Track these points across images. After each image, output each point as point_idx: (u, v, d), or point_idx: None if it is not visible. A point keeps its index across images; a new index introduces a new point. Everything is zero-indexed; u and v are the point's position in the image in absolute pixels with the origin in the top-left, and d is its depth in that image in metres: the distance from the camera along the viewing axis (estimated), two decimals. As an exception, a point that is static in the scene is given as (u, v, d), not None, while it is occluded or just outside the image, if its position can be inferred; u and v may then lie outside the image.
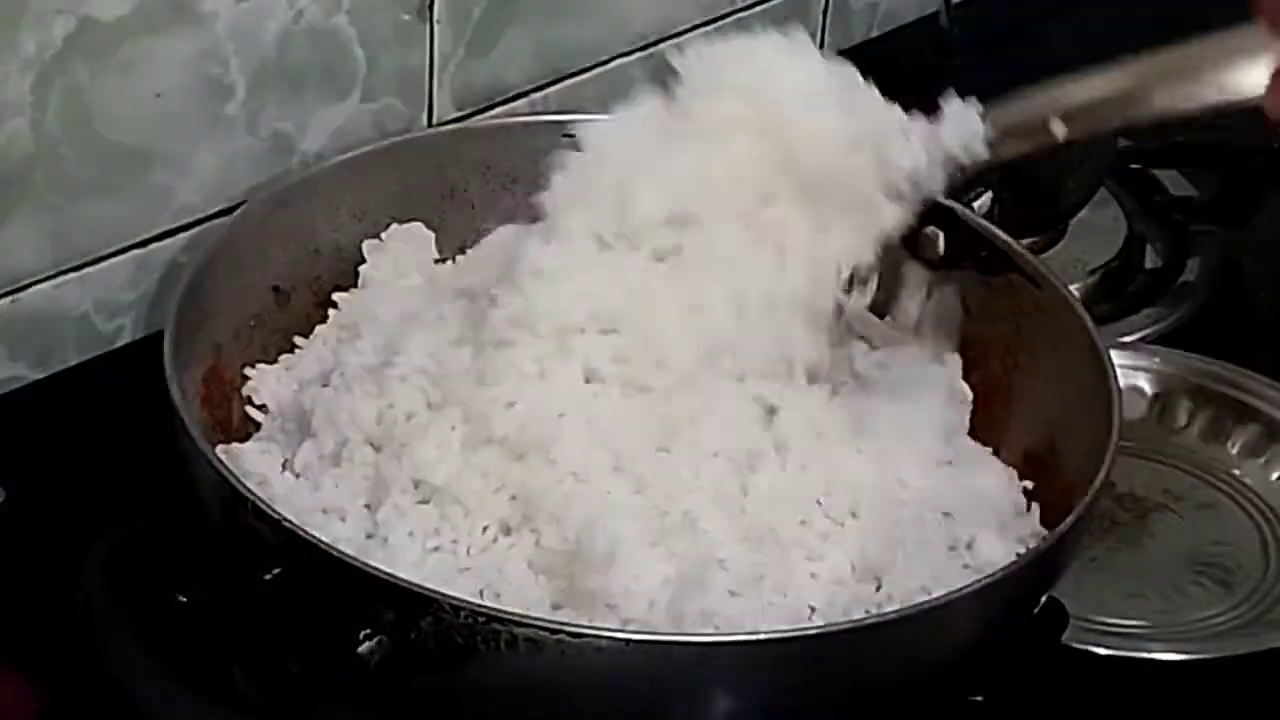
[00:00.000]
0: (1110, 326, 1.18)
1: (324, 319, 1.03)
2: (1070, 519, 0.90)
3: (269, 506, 0.85)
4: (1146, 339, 1.19)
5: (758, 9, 1.38)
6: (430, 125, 1.21)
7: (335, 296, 1.03)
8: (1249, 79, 0.85)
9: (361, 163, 1.07)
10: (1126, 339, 1.18)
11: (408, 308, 0.99)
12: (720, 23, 1.36)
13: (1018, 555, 0.91)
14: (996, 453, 1.00)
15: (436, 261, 1.06)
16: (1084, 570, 1.01)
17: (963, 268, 1.05)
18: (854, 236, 0.94)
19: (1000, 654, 0.90)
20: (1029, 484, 0.97)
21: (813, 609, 0.88)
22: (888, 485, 0.92)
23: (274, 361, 1.01)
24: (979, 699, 0.91)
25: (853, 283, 0.95)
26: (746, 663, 0.82)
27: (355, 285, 1.04)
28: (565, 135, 1.09)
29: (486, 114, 1.23)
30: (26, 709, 0.90)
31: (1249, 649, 0.98)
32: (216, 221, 1.10)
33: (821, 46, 1.44)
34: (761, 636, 0.83)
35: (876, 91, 0.94)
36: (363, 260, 1.05)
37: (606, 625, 0.83)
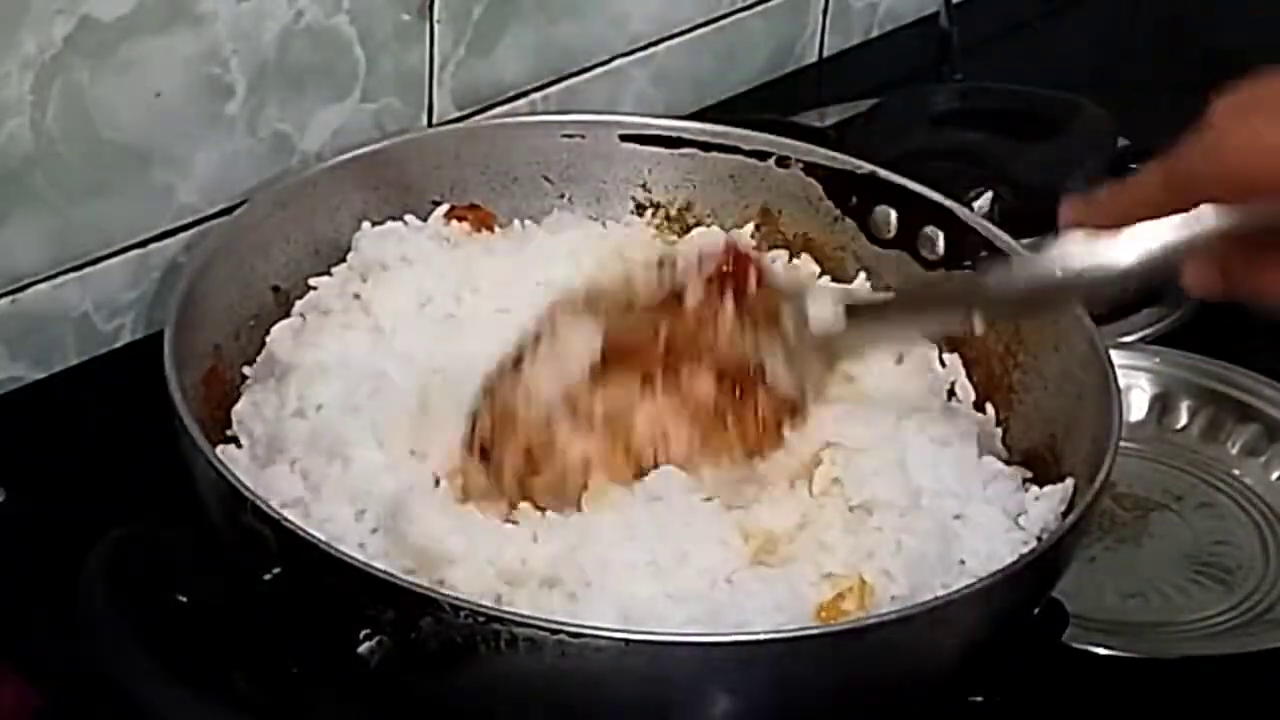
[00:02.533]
0: (1110, 326, 1.17)
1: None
2: (1070, 519, 0.90)
3: (269, 506, 0.84)
4: (1146, 339, 1.19)
5: (758, 9, 1.38)
6: (430, 125, 1.21)
7: (312, 281, 1.03)
8: None
9: (361, 163, 1.07)
10: (1126, 339, 1.18)
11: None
12: (720, 22, 1.36)
13: (1018, 555, 0.90)
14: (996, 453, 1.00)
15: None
16: (1084, 570, 1.01)
17: (963, 268, 1.05)
18: None
19: (1000, 654, 0.90)
20: (1029, 484, 0.97)
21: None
22: (893, 487, 0.92)
23: (273, 361, 1.01)
24: (979, 699, 0.91)
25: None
26: (746, 663, 0.82)
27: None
28: (565, 135, 1.10)
29: (486, 114, 1.23)
30: (26, 709, 0.90)
31: (1249, 649, 0.98)
32: (216, 221, 1.10)
33: (821, 46, 1.45)
34: (761, 636, 0.83)
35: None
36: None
37: (606, 625, 0.83)
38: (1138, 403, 1.13)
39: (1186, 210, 0.81)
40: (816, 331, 0.93)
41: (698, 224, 1.11)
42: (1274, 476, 1.10)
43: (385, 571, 0.83)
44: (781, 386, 0.93)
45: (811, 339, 0.93)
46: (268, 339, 1.00)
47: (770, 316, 0.93)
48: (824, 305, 0.94)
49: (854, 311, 0.94)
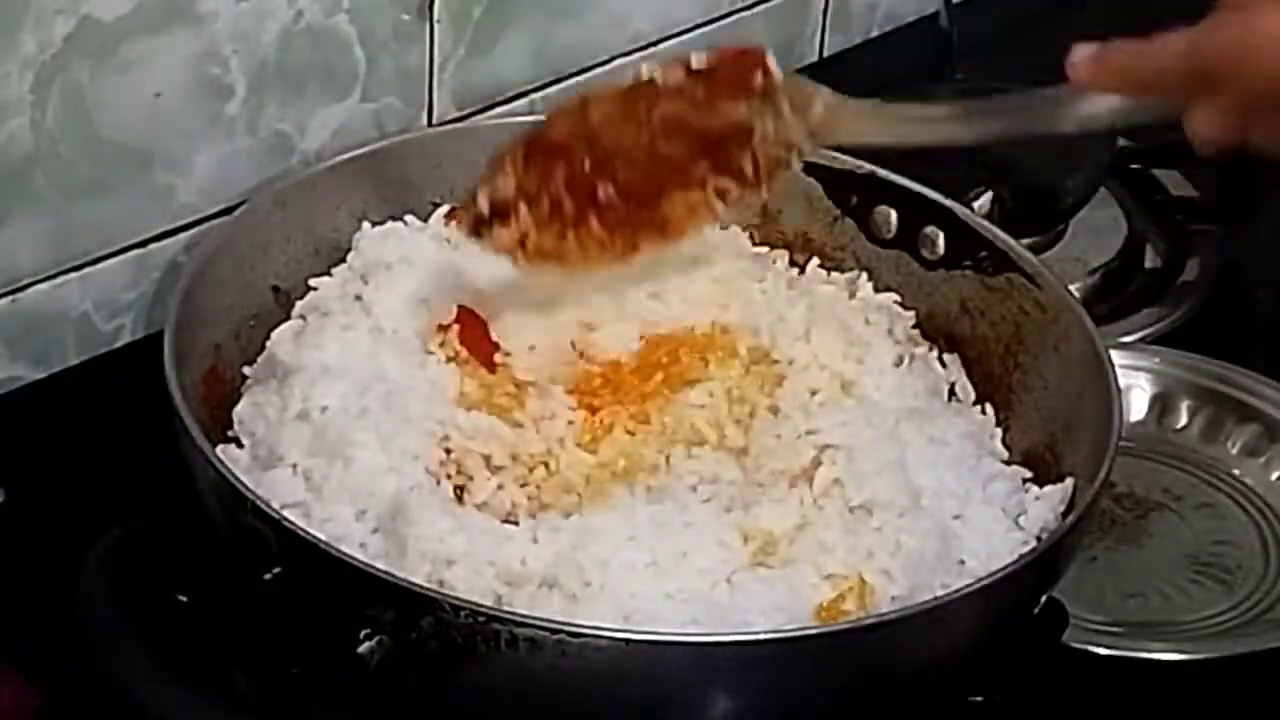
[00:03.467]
0: (1110, 326, 1.18)
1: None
2: (1070, 519, 0.90)
3: (269, 506, 0.85)
4: (1146, 339, 1.19)
5: (758, 9, 1.38)
6: (430, 125, 1.21)
7: (313, 281, 1.03)
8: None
9: (361, 163, 1.07)
10: (1126, 339, 1.18)
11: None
12: (721, 22, 1.36)
13: (1018, 555, 0.91)
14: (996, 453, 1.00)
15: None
16: (1084, 570, 1.01)
17: (963, 268, 1.05)
18: None
19: (1000, 654, 0.90)
20: (1030, 484, 0.97)
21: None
22: (893, 488, 0.92)
23: (273, 361, 1.01)
24: (979, 699, 0.91)
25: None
26: (746, 663, 0.82)
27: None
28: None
29: (486, 114, 1.23)
30: (26, 709, 0.90)
31: (1249, 649, 0.98)
32: (216, 221, 1.10)
33: (821, 46, 1.45)
34: (761, 636, 0.83)
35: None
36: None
37: (606, 625, 0.83)
38: (1138, 403, 1.13)
39: (1202, 96, 0.77)
40: (812, 121, 0.95)
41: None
42: (1274, 476, 1.10)
43: (385, 571, 0.83)
44: (767, 149, 0.95)
45: (805, 125, 0.94)
46: (269, 341, 1.00)
47: (769, 96, 0.95)
48: (819, 106, 0.95)
49: (836, 111, 0.95)
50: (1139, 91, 0.81)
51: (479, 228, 0.96)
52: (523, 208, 0.95)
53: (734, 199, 0.95)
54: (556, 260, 0.95)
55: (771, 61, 0.95)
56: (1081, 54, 0.82)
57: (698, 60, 0.95)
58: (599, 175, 0.94)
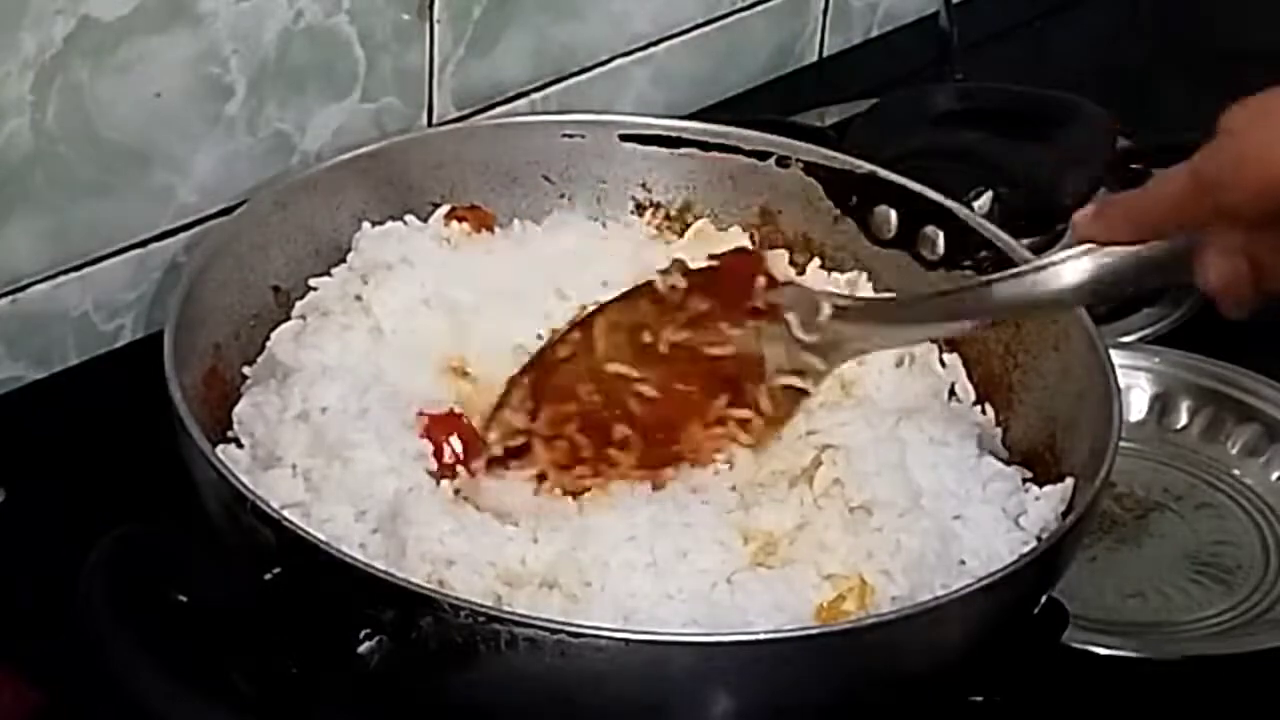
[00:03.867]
0: (1110, 326, 1.17)
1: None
2: (1070, 519, 0.90)
3: (269, 506, 0.84)
4: (1146, 339, 1.19)
5: (758, 8, 1.38)
6: (430, 125, 1.21)
7: (313, 281, 1.03)
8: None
9: (361, 163, 1.07)
10: (1126, 339, 1.18)
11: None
12: (721, 22, 1.36)
13: (1018, 555, 0.90)
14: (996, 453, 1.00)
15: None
16: (1084, 570, 1.01)
17: (963, 268, 1.05)
18: None
19: (1000, 654, 0.90)
20: (1030, 484, 0.97)
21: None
22: (893, 488, 0.92)
23: (273, 361, 1.01)
24: (979, 699, 0.91)
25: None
26: (746, 663, 0.82)
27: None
28: (565, 135, 1.10)
29: (486, 114, 1.23)
30: (26, 709, 0.90)
31: (1249, 648, 0.98)
32: (216, 221, 1.10)
33: (821, 46, 1.45)
34: (761, 636, 0.83)
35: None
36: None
37: (606, 625, 0.83)
38: (1138, 403, 1.13)
39: (1208, 221, 0.80)
40: (821, 332, 0.94)
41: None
42: (1274, 476, 1.10)
43: (385, 571, 0.83)
44: (782, 380, 0.94)
45: (814, 338, 0.94)
46: (269, 341, 1.00)
47: (775, 313, 0.94)
48: (826, 310, 0.95)
49: (842, 314, 0.95)
50: (1149, 233, 0.82)
51: (494, 468, 0.93)
52: (538, 447, 0.93)
53: (756, 430, 0.94)
54: (576, 490, 0.92)
55: (773, 267, 0.95)
56: (1083, 214, 0.84)
57: (696, 263, 0.96)
58: (612, 414, 0.94)
